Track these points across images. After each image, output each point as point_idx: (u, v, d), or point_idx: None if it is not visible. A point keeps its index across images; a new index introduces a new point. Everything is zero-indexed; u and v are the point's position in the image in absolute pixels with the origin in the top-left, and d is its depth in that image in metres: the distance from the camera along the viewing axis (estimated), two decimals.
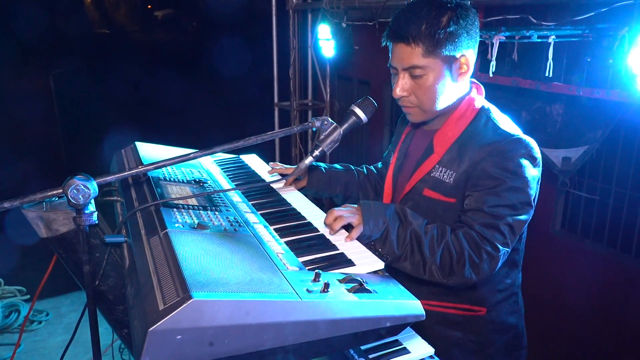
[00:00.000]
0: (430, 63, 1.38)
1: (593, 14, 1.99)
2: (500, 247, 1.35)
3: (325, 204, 5.18)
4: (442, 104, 1.46)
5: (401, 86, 1.43)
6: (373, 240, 1.33)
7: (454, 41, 1.38)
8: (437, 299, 1.54)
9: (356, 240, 1.31)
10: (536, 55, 2.36)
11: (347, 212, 1.33)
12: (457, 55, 1.40)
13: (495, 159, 1.37)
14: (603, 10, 1.95)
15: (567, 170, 2.63)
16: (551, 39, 2.07)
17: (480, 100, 1.51)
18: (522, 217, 1.38)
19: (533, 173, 1.40)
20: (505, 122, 1.47)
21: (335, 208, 1.35)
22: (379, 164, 1.90)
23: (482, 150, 1.40)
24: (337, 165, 1.87)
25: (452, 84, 1.44)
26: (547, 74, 2.15)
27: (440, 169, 1.48)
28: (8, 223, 3.40)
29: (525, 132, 1.45)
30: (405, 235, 1.33)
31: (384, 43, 1.46)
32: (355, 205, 1.37)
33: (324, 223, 1.35)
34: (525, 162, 1.38)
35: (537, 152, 1.41)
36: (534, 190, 1.40)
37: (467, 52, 1.42)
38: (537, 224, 2.94)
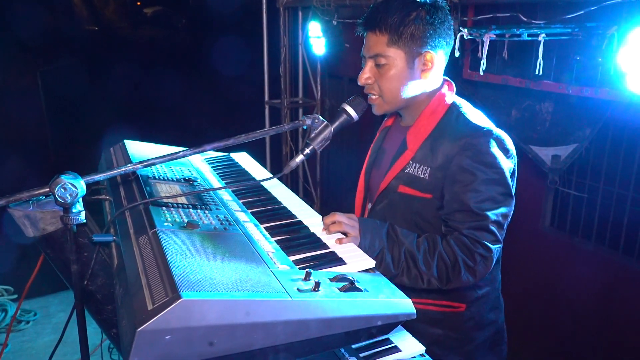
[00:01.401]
0: (393, 53, 1.43)
1: (582, 12, 2.00)
2: (492, 246, 1.38)
3: (315, 202, 5.17)
4: (403, 96, 1.48)
5: (365, 73, 1.48)
6: None
7: (419, 37, 1.41)
8: (417, 296, 1.54)
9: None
10: (526, 54, 2.37)
11: (347, 221, 1.36)
12: (422, 51, 1.43)
13: (469, 153, 1.39)
14: (592, 8, 1.97)
15: (556, 168, 2.65)
16: (541, 38, 2.08)
17: (451, 96, 1.54)
18: (505, 209, 1.41)
19: (507, 164, 1.42)
20: (476, 116, 1.49)
21: (338, 212, 1.37)
22: None
23: (455, 145, 1.42)
24: None
25: (415, 78, 1.46)
26: (537, 72, 2.16)
27: (414, 165, 1.49)
28: None
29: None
30: (399, 255, 1.37)
31: (358, 32, 1.51)
32: (356, 218, 1.40)
33: (323, 221, 1.37)
34: (498, 154, 1.40)
35: (509, 144, 1.44)
36: (510, 181, 1.43)
37: (434, 50, 1.44)
38: (527, 221, 2.96)
